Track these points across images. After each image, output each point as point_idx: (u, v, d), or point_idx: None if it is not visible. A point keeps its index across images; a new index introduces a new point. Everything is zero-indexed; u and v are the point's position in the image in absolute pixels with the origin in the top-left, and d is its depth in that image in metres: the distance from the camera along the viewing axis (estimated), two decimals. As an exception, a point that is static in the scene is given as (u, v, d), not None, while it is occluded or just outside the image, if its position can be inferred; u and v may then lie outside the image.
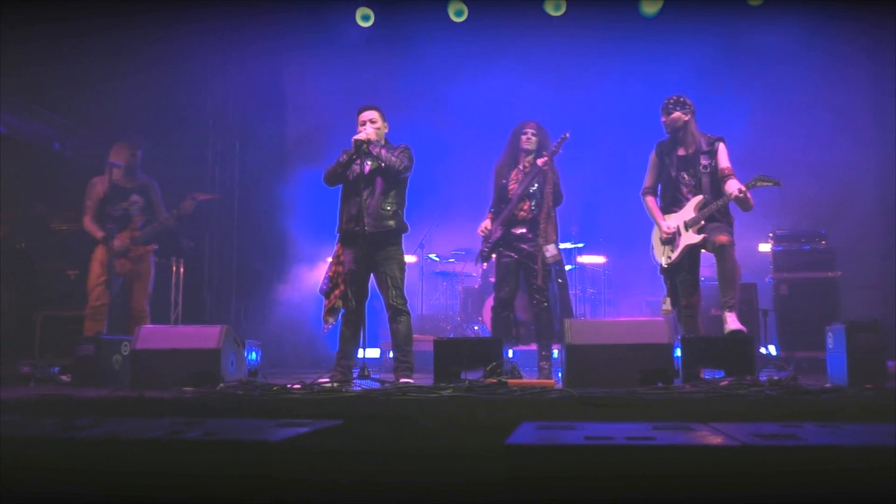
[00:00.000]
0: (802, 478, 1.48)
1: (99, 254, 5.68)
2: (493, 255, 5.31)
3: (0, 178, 6.19)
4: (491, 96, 8.26)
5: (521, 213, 5.19)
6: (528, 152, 5.25)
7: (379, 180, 4.76)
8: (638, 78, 7.86)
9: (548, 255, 5.10)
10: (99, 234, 5.69)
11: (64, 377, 5.13)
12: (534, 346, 5.38)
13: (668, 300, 5.03)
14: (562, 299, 5.32)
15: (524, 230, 5.18)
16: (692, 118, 4.94)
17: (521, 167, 5.27)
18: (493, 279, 5.77)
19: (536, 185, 5.17)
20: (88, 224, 5.75)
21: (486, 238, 5.29)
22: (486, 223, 5.30)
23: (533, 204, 5.17)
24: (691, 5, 7.55)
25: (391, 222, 4.73)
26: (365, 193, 4.69)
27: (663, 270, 5.06)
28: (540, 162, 5.14)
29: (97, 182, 5.80)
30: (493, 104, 7.97)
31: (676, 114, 4.91)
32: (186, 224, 6.03)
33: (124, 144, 5.87)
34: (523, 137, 5.24)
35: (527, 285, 5.18)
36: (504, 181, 5.29)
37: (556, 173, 5.23)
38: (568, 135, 5.13)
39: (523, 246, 5.15)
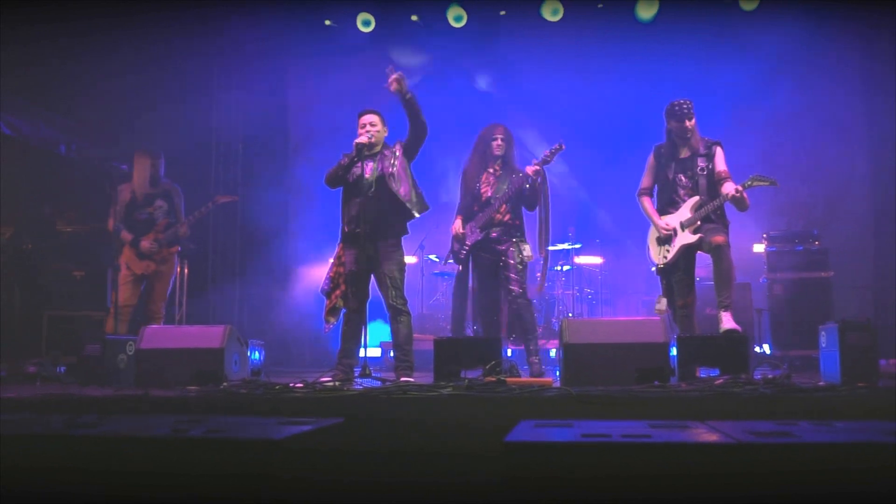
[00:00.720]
0: (798, 475, 1.49)
1: (124, 256, 5.83)
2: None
3: (4, 180, 6.22)
4: (490, 98, 8.28)
5: (497, 216, 5.23)
6: (496, 158, 5.29)
7: (403, 182, 4.77)
8: (635, 80, 7.88)
9: (525, 253, 5.14)
10: (127, 236, 5.85)
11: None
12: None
13: (662, 300, 5.03)
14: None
15: (499, 232, 5.22)
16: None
17: (490, 171, 5.30)
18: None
19: (511, 187, 5.17)
20: (112, 228, 5.90)
21: (460, 240, 5.30)
22: (458, 225, 5.32)
23: (509, 207, 5.21)
24: (686, 10, 7.57)
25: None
26: (393, 186, 4.73)
27: (659, 270, 5.08)
28: (530, 170, 5.16)
29: (123, 189, 5.94)
30: (493, 105, 7.99)
31: (694, 119, 4.91)
32: (189, 225, 6.10)
33: (144, 154, 5.97)
34: (494, 144, 5.27)
35: (504, 286, 5.21)
36: (476, 185, 5.31)
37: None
38: (563, 146, 5.16)
39: (499, 247, 5.20)
